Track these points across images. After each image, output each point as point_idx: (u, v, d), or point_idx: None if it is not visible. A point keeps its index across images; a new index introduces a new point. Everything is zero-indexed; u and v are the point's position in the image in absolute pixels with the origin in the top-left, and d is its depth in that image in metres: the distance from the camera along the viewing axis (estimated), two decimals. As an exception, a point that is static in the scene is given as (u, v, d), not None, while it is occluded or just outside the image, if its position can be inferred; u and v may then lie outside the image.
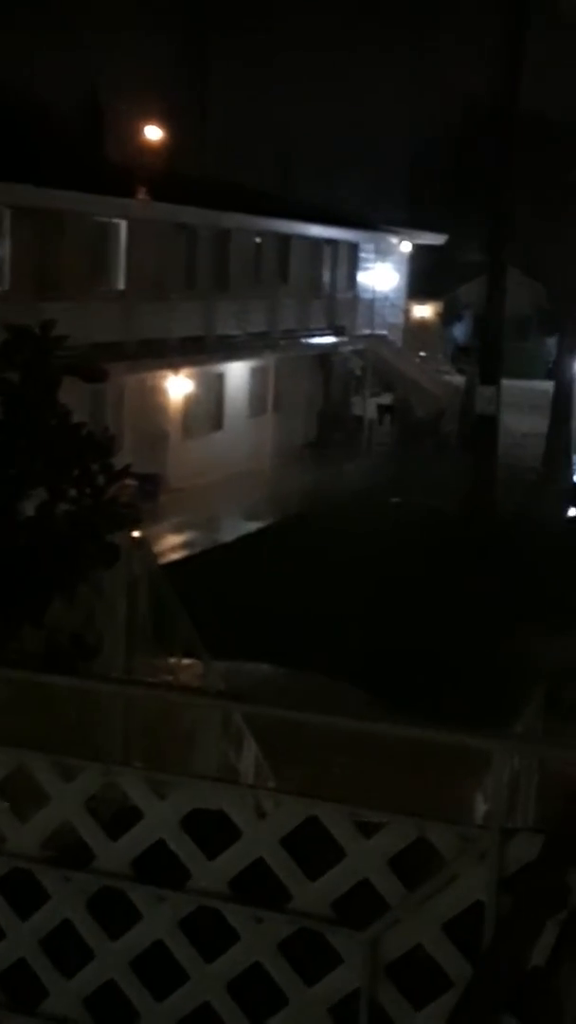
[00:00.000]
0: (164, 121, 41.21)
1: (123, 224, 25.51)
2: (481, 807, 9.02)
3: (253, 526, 24.34)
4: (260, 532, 23.89)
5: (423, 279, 43.80)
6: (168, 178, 32.67)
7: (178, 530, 23.27)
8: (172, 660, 8.17)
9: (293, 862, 4.25)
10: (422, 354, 39.95)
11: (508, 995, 2.59)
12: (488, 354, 29.21)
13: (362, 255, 37.27)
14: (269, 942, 4.30)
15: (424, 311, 46.91)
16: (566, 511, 25.69)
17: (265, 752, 9.58)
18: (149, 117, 40.54)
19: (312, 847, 4.40)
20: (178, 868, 4.47)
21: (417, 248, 39.77)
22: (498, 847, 3.89)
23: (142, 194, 27.72)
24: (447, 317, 48.55)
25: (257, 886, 4.38)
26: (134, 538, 7.37)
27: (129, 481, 6.52)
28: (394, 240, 37.66)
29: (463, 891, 4.01)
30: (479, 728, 4.56)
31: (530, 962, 2.77)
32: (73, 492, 6.00)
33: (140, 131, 40.51)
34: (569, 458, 31.72)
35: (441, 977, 4.07)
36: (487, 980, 2.60)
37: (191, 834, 4.45)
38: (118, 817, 4.90)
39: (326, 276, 35.47)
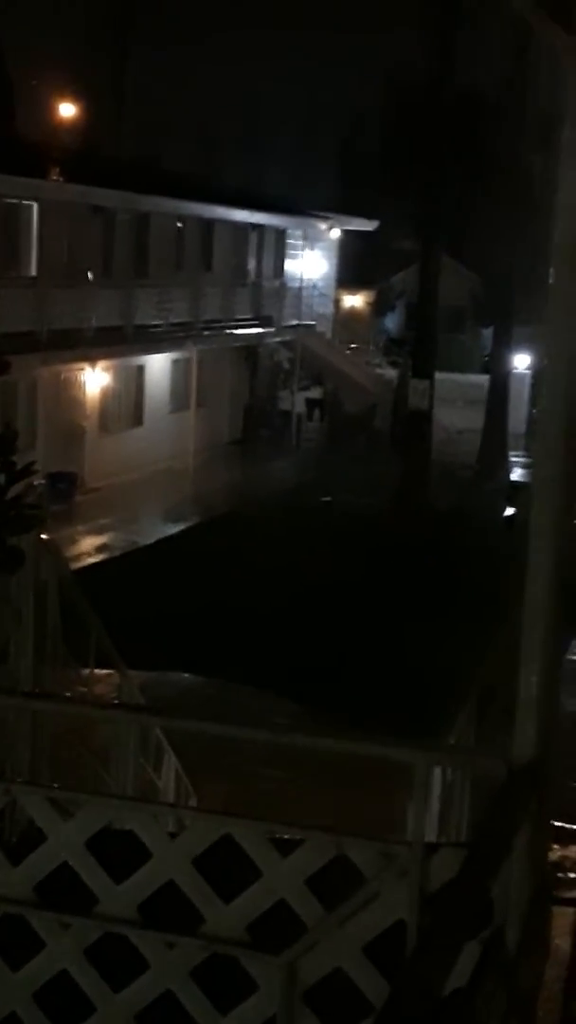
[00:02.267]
0: (80, 98, 40.98)
1: (35, 206, 25.26)
2: (412, 821, 9.07)
3: (175, 528, 24.26)
4: (182, 534, 23.82)
5: (354, 267, 44.01)
6: (84, 158, 32.49)
7: (94, 532, 23.12)
8: (85, 671, 8.10)
9: (206, 884, 4.23)
10: (353, 346, 40.16)
11: (424, 1018, 2.60)
12: (421, 346, 29.43)
13: (290, 242, 37.34)
14: (181, 969, 4.28)
15: (355, 300, 47.14)
16: (502, 510, 25.93)
17: (187, 767, 9.55)
18: (64, 93, 40.28)
19: (228, 867, 4.38)
20: (85, 892, 4.43)
21: (348, 235, 39.94)
22: (420, 864, 3.91)
23: (55, 174, 27.49)
24: (379, 307, 48.82)
25: (168, 910, 4.35)
26: (42, 541, 7.29)
27: (36, 481, 6.45)
28: (323, 226, 37.78)
29: (384, 910, 4.02)
30: (408, 738, 4.57)
31: (447, 983, 2.78)
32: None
33: (54, 107, 40.23)
34: (505, 455, 32.04)
35: (362, 1002, 4.08)
36: (401, 1003, 2.61)
37: (100, 857, 4.41)
38: (24, 839, 4.85)
39: (252, 263, 35.47)
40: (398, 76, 47.69)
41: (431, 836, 6.34)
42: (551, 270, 3.54)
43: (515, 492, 26.13)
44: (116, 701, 8.44)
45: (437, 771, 6.73)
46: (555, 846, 6.26)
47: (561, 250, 3.52)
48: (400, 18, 40.09)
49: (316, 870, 4.13)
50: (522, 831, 3.51)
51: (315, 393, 38.09)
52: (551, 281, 3.54)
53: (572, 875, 6.19)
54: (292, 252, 37.43)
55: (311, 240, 37.51)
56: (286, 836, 4.24)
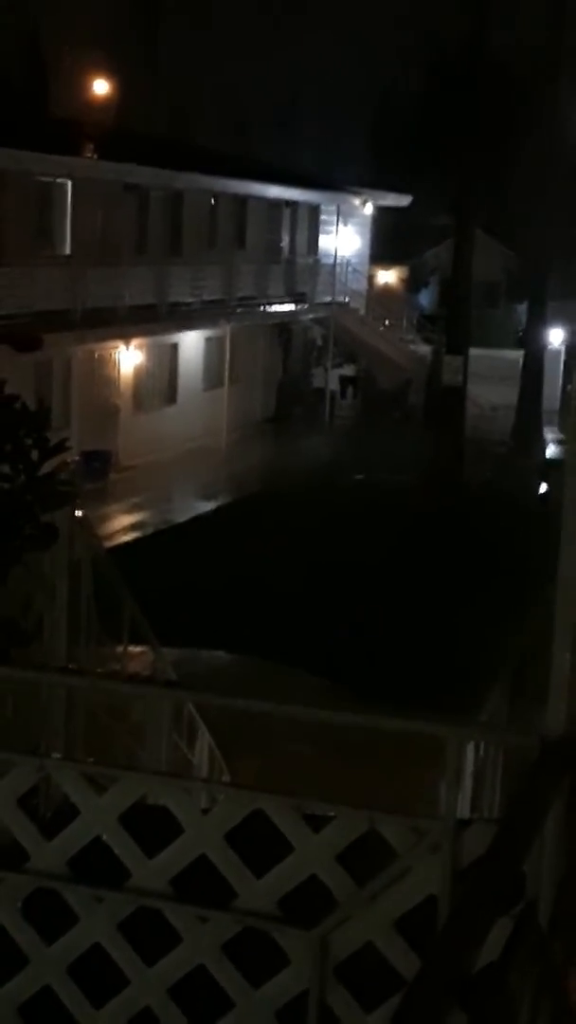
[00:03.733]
0: (112, 75, 40.85)
1: (68, 184, 25.29)
2: (444, 795, 9.08)
3: (208, 506, 24.30)
4: (215, 512, 23.86)
5: (388, 243, 43.77)
6: (117, 136, 32.42)
7: (129, 510, 23.20)
8: (119, 648, 8.13)
9: (238, 858, 4.24)
10: (387, 322, 39.98)
11: (456, 993, 2.59)
12: (454, 322, 29.29)
13: (323, 218, 37.18)
14: (213, 943, 4.29)
15: (389, 277, 46.91)
16: (537, 487, 25.80)
17: (220, 743, 9.59)
18: (97, 71, 40.17)
19: (260, 842, 4.39)
20: (118, 867, 4.46)
21: (381, 210, 39.72)
22: (452, 839, 3.90)
23: (88, 152, 27.48)
24: (413, 283, 48.56)
25: (201, 884, 4.37)
26: (76, 518, 7.32)
27: (71, 458, 6.45)
28: (356, 202, 37.59)
29: (416, 886, 4.01)
30: (440, 714, 4.56)
31: (479, 958, 2.78)
32: (6, 469, 5.93)
33: (87, 85, 40.16)
34: (540, 431, 31.84)
35: (393, 977, 4.08)
36: (432, 978, 2.60)
37: (133, 832, 4.43)
38: (58, 814, 4.88)
39: (285, 240, 35.37)
40: (430, 47, 47.31)
41: (464, 813, 6.33)
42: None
43: (549, 469, 25.99)
44: (149, 677, 8.48)
45: (470, 748, 6.72)
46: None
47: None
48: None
49: (347, 845, 4.13)
50: (554, 807, 3.50)
51: (349, 370, 37.98)
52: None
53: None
54: (326, 228, 37.28)
55: (345, 216, 37.35)
56: (317, 813, 4.24)
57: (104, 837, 4.45)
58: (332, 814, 4.17)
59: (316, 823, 4.22)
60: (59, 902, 4.52)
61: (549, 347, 34.79)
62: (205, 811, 4.40)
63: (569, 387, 33.39)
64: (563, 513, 3.68)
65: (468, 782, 6.93)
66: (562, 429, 28.05)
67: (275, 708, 4.71)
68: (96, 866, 4.52)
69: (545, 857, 3.52)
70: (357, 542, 20.37)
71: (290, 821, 4.16)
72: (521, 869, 3.24)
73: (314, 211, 36.87)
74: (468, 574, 18.50)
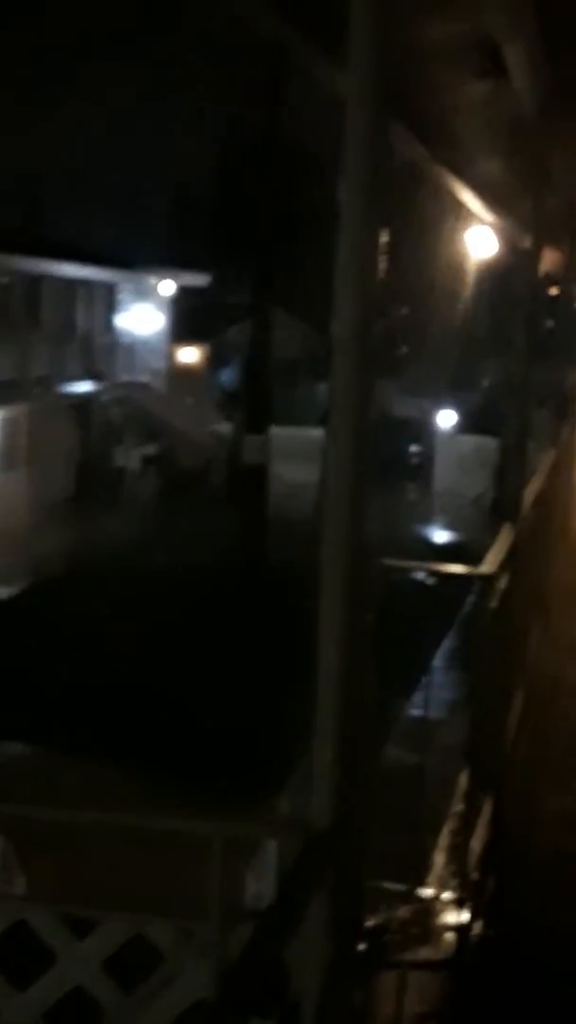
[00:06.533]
0: None
1: None
2: (252, 887, 9.02)
3: (5, 592, 23.83)
4: (13, 598, 23.41)
5: (189, 321, 44.21)
6: None
7: None
8: None
9: None
10: (188, 401, 40.27)
11: None
12: (255, 401, 29.73)
13: (121, 297, 37.37)
14: (-26, 1065, 4.15)
15: (190, 355, 47.31)
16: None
17: (17, 844, 9.31)
18: None
19: (30, 953, 4.27)
20: None
21: (181, 289, 40.19)
22: (219, 939, 3.87)
23: None
24: (215, 361, 49.11)
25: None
26: None
27: None
28: (154, 280, 37.94)
29: (185, 990, 3.96)
30: (240, 806, 4.53)
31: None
32: None
33: None
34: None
35: None
36: None
37: None
38: None
39: (82, 319, 35.36)
40: (227, 132, 48.41)
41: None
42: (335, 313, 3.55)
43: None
44: None
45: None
46: (380, 908, 6.28)
47: (342, 284, 3.50)
48: (229, 77, 40.75)
49: (113, 952, 4.06)
50: (317, 899, 3.51)
51: (150, 450, 38.02)
52: (333, 326, 3.56)
53: (396, 936, 6.21)
54: (125, 307, 37.47)
55: (143, 294, 37.63)
56: (83, 917, 4.16)
57: None
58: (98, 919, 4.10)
59: (84, 929, 4.13)
60: None
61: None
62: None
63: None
64: (320, 602, 3.72)
65: (271, 876, 6.91)
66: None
67: (31, 810, 4.61)
68: None
69: (309, 951, 3.52)
70: (153, 624, 20.26)
71: (53, 930, 4.06)
72: (281, 967, 3.23)
73: (111, 289, 37.05)
74: (268, 654, 18.58)
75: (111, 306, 37.02)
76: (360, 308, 3.41)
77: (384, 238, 3.67)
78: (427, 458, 35.69)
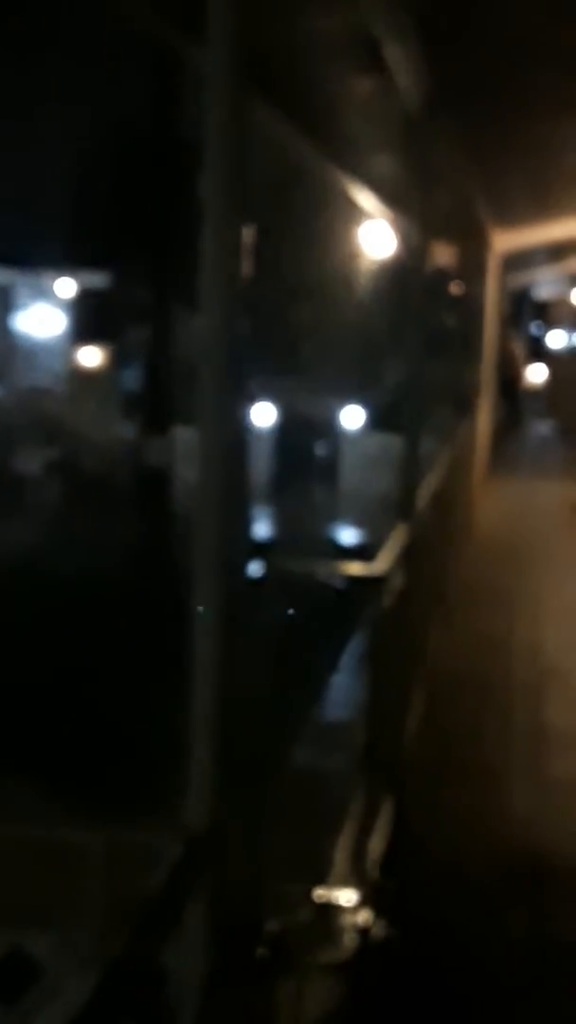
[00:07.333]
0: None
1: None
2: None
3: None
4: None
5: (91, 322, 43.82)
6: None
7: None
8: None
9: None
10: (91, 404, 39.92)
11: None
12: (158, 402, 29.60)
13: (19, 299, 36.95)
14: None
15: (93, 357, 46.90)
16: (245, 568, 26.13)
17: None
18: None
19: None
20: None
21: (83, 290, 39.84)
22: (99, 949, 3.82)
23: None
24: (118, 363, 48.76)
25: None
26: None
27: None
28: (53, 281, 37.58)
29: (67, 1004, 3.90)
30: (141, 811, 4.46)
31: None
32: None
33: None
34: (246, 511, 32.31)
35: None
36: None
37: None
38: None
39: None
40: (121, 128, 48.10)
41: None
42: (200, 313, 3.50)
43: (257, 549, 26.42)
44: None
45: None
46: (283, 911, 6.26)
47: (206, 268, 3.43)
48: (125, 71, 40.49)
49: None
50: (194, 903, 3.47)
51: (52, 455, 37.66)
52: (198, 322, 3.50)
53: (297, 939, 6.20)
54: (21, 308, 37.06)
55: (41, 295, 37.24)
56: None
57: None
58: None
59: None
60: None
61: (255, 426, 35.55)
62: None
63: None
64: (194, 599, 3.70)
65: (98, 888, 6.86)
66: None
67: None
68: None
69: (186, 958, 3.48)
70: (56, 631, 20.05)
71: None
72: (156, 975, 3.18)
73: (6, 292, 36.63)
74: (170, 655, 18.48)
75: (7, 307, 36.58)
76: (224, 302, 3.37)
77: (254, 235, 3.64)
78: (333, 458, 35.82)
